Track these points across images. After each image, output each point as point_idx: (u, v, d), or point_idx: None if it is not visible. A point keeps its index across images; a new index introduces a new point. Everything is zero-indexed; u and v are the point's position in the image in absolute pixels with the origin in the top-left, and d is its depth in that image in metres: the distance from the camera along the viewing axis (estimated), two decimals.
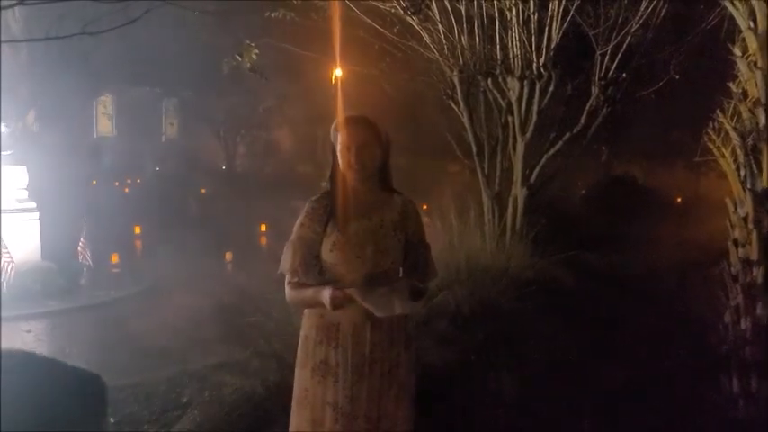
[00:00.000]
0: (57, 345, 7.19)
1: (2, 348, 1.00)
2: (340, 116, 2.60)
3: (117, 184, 21.60)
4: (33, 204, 9.76)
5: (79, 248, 9.23)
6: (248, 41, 7.17)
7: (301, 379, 2.59)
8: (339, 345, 2.51)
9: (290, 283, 2.56)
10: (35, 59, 10.86)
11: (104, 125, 25.90)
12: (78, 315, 8.28)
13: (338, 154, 2.55)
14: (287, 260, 2.54)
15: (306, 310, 2.62)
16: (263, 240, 13.17)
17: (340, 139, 2.53)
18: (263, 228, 13.97)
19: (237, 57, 7.15)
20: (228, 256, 11.00)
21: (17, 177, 9.61)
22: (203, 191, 21.33)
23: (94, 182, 19.10)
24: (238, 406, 4.11)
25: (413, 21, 7.23)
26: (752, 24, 3.97)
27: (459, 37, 7.20)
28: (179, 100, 24.55)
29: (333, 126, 2.58)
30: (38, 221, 9.67)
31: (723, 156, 4.10)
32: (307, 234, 2.52)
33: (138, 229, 13.98)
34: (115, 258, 10.55)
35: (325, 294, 2.45)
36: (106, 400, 1.05)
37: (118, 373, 4.73)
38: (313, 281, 2.53)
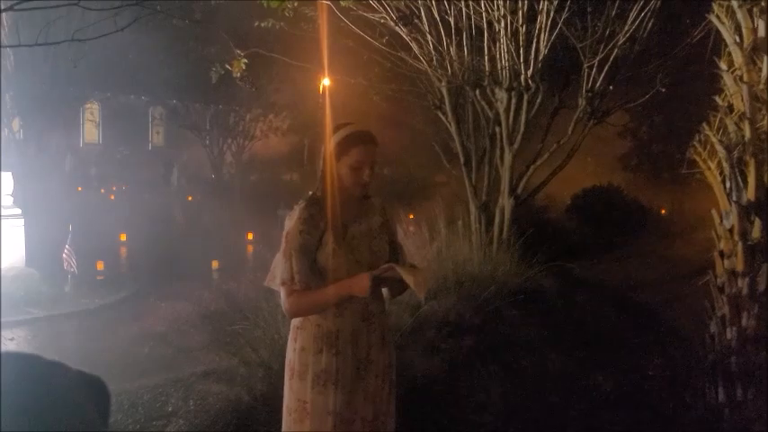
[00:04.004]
0: (40, 353, 7.10)
1: (2, 350, 0.98)
2: (350, 131, 2.53)
3: (103, 191, 21.48)
4: (18, 211, 9.67)
5: (64, 255, 9.13)
6: (238, 51, 7.18)
7: (298, 391, 2.54)
8: (339, 351, 2.50)
9: (292, 292, 2.47)
10: (22, 66, 10.79)
11: (91, 132, 25.80)
12: (62, 322, 8.19)
13: (342, 166, 2.50)
14: (285, 269, 2.46)
15: (299, 321, 2.56)
16: (250, 248, 13.12)
17: (352, 156, 2.49)
18: (250, 236, 13.92)
19: (227, 66, 7.15)
20: (215, 263, 10.93)
21: (2, 184, 9.53)
22: (190, 198, 21.25)
23: (80, 188, 18.99)
24: (224, 415, 4.08)
25: (402, 32, 7.26)
26: (737, 39, 4.03)
27: (448, 48, 7.24)
28: (166, 108, 24.45)
29: (339, 138, 2.52)
30: (23, 228, 9.59)
31: (709, 168, 4.14)
32: (306, 241, 2.46)
33: (123, 237, 13.88)
34: (100, 265, 10.44)
35: (360, 282, 2.40)
36: (110, 403, 1.04)
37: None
38: (313, 288, 2.48)
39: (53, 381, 0.96)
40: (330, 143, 2.53)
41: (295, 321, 2.59)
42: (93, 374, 1.05)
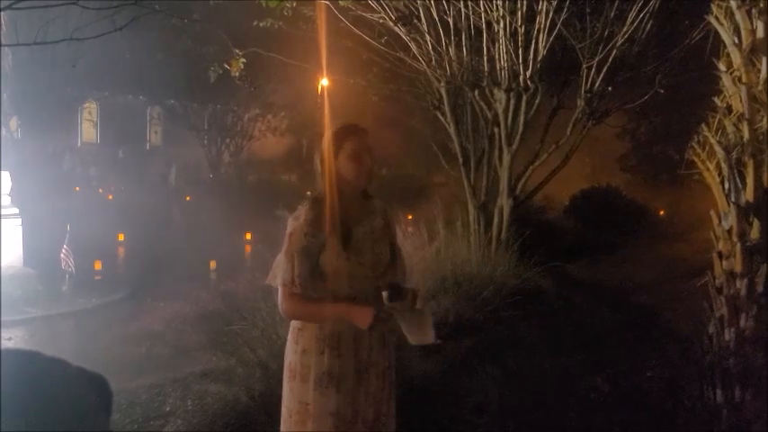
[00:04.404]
0: None
1: (3, 347, 0.98)
2: (339, 125, 2.58)
3: (101, 190, 21.44)
4: (16, 210, 9.65)
5: (62, 255, 9.11)
6: (236, 50, 7.18)
7: (300, 393, 2.53)
8: (342, 353, 2.50)
9: (292, 295, 2.48)
10: (20, 65, 10.78)
11: (89, 132, 25.76)
12: (60, 322, 8.17)
13: (340, 162, 2.52)
14: (286, 271, 2.46)
15: (301, 323, 2.56)
16: (248, 248, 13.11)
17: (348, 148, 2.51)
18: (248, 236, 13.91)
19: (226, 65, 7.15)
20: (213, 263, 10.91)
21: (0, 183, 9.50)
22: (188, 198, 21.22)
23: (78, 188, 18.95)
24: (222, 415, 4.08)
25: (401, 32, 7.26)
26: (736, 40, 4.03)
27: (447, 48, 7.24)
28: (164, 108, 24.43)
29: (330, 135, 2.54)
30: (20, 227, 9.56)
31: (708, 169, 4.14)
32: (309, 243, 2.46)
33: (121, 237, 13.86)
34: (98, 265, 10.43)
35: (365, 316, 2.42)
36: (112, 399, 1.05)
37: None
38: (313, 291, 2.48)
39: (53, 376, 0.96)
40: (325, 143, 2.55)
41: (296, 323, 2.59)
42: (93, 371, 1.05)
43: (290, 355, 2.58)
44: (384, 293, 2.58)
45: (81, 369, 1.02)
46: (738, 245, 3.93)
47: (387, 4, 7.06)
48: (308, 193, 2.62)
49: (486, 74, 7.33)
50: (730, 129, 4.02)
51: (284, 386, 2.61)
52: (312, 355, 2.51)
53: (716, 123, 4.10)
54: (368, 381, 2.55)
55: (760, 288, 3.88)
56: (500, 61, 7.14)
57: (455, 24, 7.15)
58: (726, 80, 4.09)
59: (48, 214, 10.32)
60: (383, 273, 2.60)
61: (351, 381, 2.51)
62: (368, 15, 7.28)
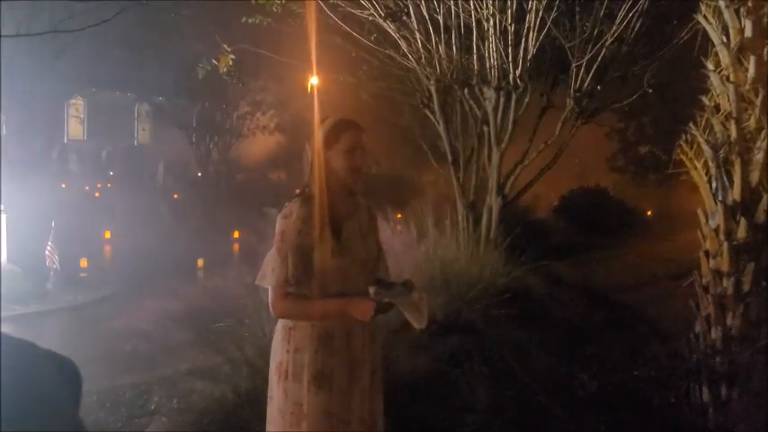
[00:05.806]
0: None
1: None
2: (337, 118, 2.56)
3: (87, 188, 21.28)
4: (0, 206, 9.56)
5: (47, 252, 9.04)
6: (225, 46, 7.14)
7: (294, 393, 2.48)
8: (335, 351, 2.47)
9: (286, 295, 2.43)
10: (5, 60, 10.67)
11: (75, 128, 25.50)
12: (45, 319, 8.11)
13: (334, 156, 2.50)
14: (280, 270, 2.42)
15: (292, 322, 2.51)
16: (236, 246, 13.05)
17: (344, 141, 2.50)
18: (236, 234, 13.86)
19: (214, 61, 7.11)
20: (200, 261, 10.86)
21: None
22: (175, 196, 21.10)
23: (64, 185, 18.80)
24: (208, 413, 4.04)
25: (390, 29, 7.24)
26: (724, 39, 4.04)
27: (437, 46, 7.22)
28: (152, 105, 24.27)
29: (327, 127, 2.53)
30: (4, 224, 9.47)
31: (695, 168, 4.15)
32: (304, 241, 2.42)
33: (107, 234, 13.78)
34: (84, 263, 10.35)
35: (364, 308, 2.40)
36: (81, 384, 1.04)
37: (84, 379, 4.59)
38: (307, 290, 2.45)
39: (21, 358, 0.95)
40: (318, 136, 2.52)
41: (287, 322, 2.54)
42: (63, 356, 1.04)
43: (281, 355, 2.52)
44: (371, 288, 2.55)
45: (49, 352, 1.01)
46: (725, 244, 3.94)
47: (376, 1, 7.03)
48: (297, 191, 2.58)
49: (475, 72, 7.32)
50: (718, 128, 4.04)
51: (275, 387, 2.54)
52: (305, 354, 2.46)
53: (704, 122, 4.11)
54: (361, 378, 2.53)
55: (747, 287, 3.90)
56: (490, 59, 7.13)
57: (445, 22, 7.13)
58: (714, 79, 4.11)
59: (33, 211, 10.23)
60: (372, 268, 2.59)
61: (344, 379, 2.48)
62: (357, 12, 7.25)
